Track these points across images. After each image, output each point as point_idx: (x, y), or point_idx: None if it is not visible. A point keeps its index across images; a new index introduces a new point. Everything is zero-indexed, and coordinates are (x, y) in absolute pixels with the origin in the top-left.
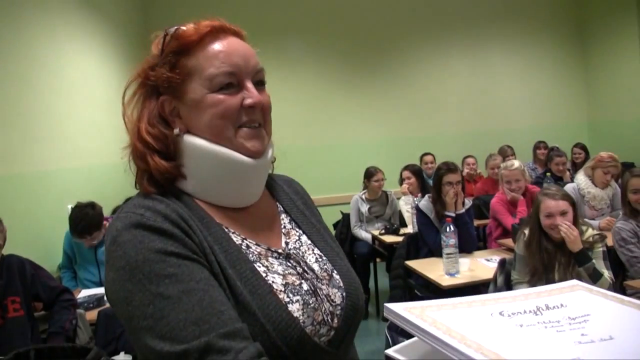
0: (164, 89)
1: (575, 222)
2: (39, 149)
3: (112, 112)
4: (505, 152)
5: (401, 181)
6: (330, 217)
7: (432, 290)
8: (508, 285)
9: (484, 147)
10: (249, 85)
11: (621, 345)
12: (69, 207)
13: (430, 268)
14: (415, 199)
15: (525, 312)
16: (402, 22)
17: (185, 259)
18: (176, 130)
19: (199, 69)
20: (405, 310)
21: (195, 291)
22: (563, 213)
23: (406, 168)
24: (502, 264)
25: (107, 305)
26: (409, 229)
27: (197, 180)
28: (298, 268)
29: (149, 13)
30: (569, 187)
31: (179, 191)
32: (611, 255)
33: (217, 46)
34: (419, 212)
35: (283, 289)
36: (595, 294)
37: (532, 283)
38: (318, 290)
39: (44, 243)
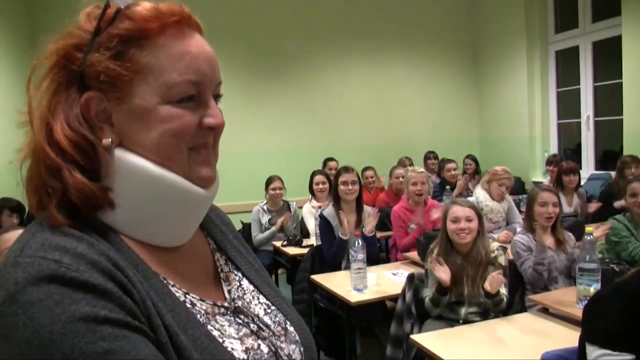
0: (95, 82)
1: (482, 235)
2: None
3: None
4: (404, 163)
5: (311, 186)
6: None
7: (338, 306)
8: (417, 301)
9: (383, 157)
10: (212, 101)
11: None
12: None
13: (337, 283)
14: (320, 207)
15: None
16: (303, 30)
17: (123, 328)
18: (106, 141)
19: (156, 70)
20: None
21: None
22: (469, 219)
23: (320, 172)
24: (411, 279)
25: None
26: (312, 241)
27: (130, 212)
28: (252, 325)
29: None
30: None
31: (102, 224)
32: (512, 267)
33: (183, 45)
34: (322, 220)
35: (246, 357)
36: None
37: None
38: (279, 350)
39: None
